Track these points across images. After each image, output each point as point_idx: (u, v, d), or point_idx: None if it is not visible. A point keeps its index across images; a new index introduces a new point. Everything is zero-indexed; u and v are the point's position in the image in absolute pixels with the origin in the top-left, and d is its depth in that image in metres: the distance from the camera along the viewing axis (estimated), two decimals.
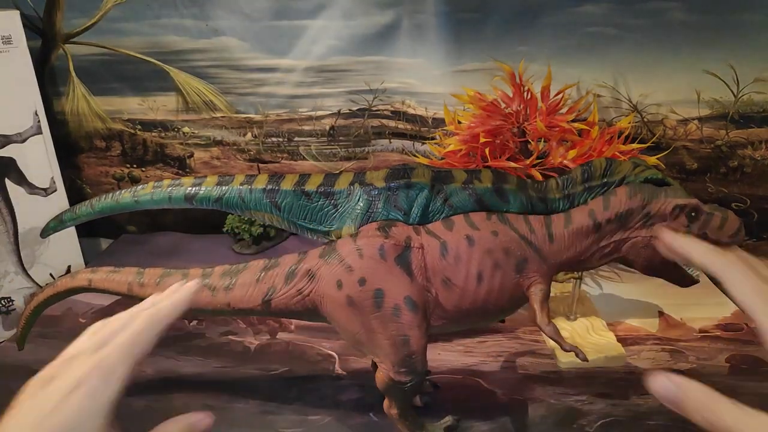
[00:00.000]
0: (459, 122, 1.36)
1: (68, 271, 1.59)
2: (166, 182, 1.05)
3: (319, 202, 0.98)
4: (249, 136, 1.63)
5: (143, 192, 1.05)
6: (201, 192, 1.02)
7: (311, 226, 1.00)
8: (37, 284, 1.54)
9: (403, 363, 0.80)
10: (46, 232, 1.16)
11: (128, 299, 0.91)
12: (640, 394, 1.01)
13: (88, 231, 1.67)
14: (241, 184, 1.01)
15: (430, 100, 1.54)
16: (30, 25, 1.51)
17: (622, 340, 1.14)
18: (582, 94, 1.47)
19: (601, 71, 1.47)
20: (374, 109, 1.58)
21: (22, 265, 1.52)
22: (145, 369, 1.11)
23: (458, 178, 0.96)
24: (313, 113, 1.59)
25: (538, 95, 1.29)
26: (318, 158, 1.64)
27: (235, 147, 1.64)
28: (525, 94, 1.31)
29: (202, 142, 1.65)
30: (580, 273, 1.18)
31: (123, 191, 1.07)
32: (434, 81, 1.52)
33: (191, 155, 1.66)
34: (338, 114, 1.59)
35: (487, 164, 1.30)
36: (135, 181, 1.70)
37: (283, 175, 1.02)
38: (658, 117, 1.49)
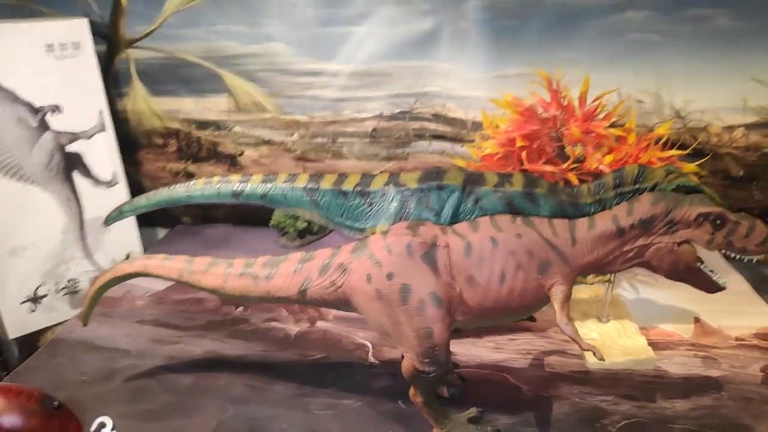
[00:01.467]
0: (497, 126, 1.39)
1: (127, 257, 1.71)
2: (215, 179, 1.13)
3: (356, 201, 1.04)
4: (296, 136, 1.71)
5: (195, 187, 1.14)
6: (247, 189, 1.10)
7: (348, 224, 1.06)
8: (100, 268, 1.67)
9: (427, 354, 0.85)
10: (108, 221, 1.27)
11: (180, 284, 0.99)
12: (667, 398, 1.02)
13: (146, 221, 1.79)
14: (284, 182, 1.08)
15: (469, 104, 1.58)
16: (97, 32, 1.63)
17: (654, 345, 1.15)
18: (625, 100, 1.47)
19: (643, 78, 1.47)
20: (415, 112, 1.62)
21: (87, 250, 1.65)
22: (194, 349, 1.20)
23: (490, 180, 0.99)
24: (356, 115, 1.66)
25: (576, 101, 1.31)
26: (360, 158, 1.70)
27: (282, 146, 1.72)
28: (562, 99, 1.33)
29: (252, 141, 1.74)
30: (612, 276, 1.19)
31: (177, 186, 1.16)
32: (474, 85, 1.55)
33: (242, 153, 1.75)
34: (380, 116, 1.64)
35: (523, 168, 1.33)
36: (190, 176, 1.81)
37: (323, 174, 1.09)
38: (701, 124, 1.48)
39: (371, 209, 1.03)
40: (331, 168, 1.72)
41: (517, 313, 0.88)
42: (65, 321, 1.65)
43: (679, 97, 1.47)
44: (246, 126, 1.72)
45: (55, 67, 1.51)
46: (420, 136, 1.65)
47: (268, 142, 1.73)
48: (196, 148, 1.78)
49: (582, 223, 0.87)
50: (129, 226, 1.70)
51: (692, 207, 0.84)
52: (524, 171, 1.04)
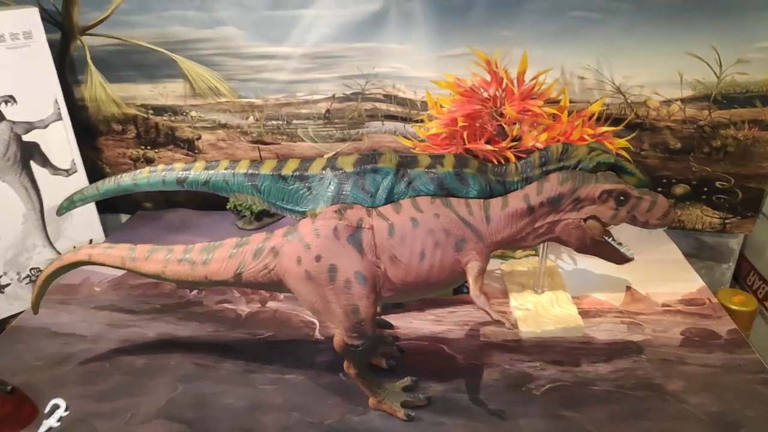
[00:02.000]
0: (441, 106, 1.43)
1: (90, 243, 1.75)
2: (160, 167, 1.17)
3: (295, 185, 1.08)
4: (251, 119, 1.73)
5: (141, 176, 1.17)
6: (191, 176, 1.14)
7: (288, 207, 1.10)
8: (61, 255, 1.70)
9: (354, 329, 0.90)
10: (60, 211, 1.31)
11: (123, 271, 1.04)
12: (591, 363, 1.08)
13: (108, 207, 1.82)
14: (225, 169, 1.12)
15: (418, 84, 1.61)
16: (50, 19, 1.63)
17: (585, 313, 1.21)
18: (564, 78, 1.52)
19: (585, 55, 1.51)
20: (367, 92, 1.65)
21: (48, 239, 1.68)
22: (147, 331, 1.24)
23: (422, 162, 1.04)
24: (309, 97, 1.69)
25: (515, 80, 1.35)
26: (315, 140, 1.74)
27: (239, 129, 1.75)
28: (501, 79, 1.37)
29: (209, 125, 1.76)
30: (542, 249, 1.25)
31: (124, 175, 1.19)
32: (422, 66, 1.58)
33: (199, 138, 1.78)
34: (333, 98, 1.67)
35: (465, 146, 1.38)
36: (149, 161, 1.84)
37: (263, 160, 1.13)
38: (641, 98, 1.52)
39: (310, 193, 1.08)
40: (286, 150, 1.76)
41: (438, 287, 0.93)
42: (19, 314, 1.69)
43: (619, 72, 1.51)
44: (202, 110, 1.75)
45: (7, 57, 1.52)
46: (373, 116, 1.68)
47: (224, 126, 1.76)
48: (154, 134, 1.80)
49: (496, 202, 0.92)
50: (90, 212, 1.73)
51: (597, 185, 0.89)
52: (456, 153, 1.09)
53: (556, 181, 0.91)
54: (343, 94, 1.67)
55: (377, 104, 1.67)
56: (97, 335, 1.24)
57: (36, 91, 1.59)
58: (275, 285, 0.95)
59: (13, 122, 1.57)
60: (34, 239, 1.66)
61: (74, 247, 1.72)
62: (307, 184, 1.08)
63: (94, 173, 1.79)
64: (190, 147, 1.80)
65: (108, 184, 1.20)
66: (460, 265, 0.90)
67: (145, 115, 1.78)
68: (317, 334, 1.21)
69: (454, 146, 1.39)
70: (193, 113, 1.75)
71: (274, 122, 1.73)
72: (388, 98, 1.65)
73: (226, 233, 1.67)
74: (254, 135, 1.75)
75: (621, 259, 0.94)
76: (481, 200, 0.93)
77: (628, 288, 1.29)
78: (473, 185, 1.00)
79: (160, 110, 1.77)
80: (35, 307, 1.09)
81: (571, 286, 1.29)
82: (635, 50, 1.49)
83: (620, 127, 1.39)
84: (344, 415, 0.99)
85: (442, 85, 1.42)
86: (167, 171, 1.15)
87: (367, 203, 1.00)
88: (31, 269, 1.67)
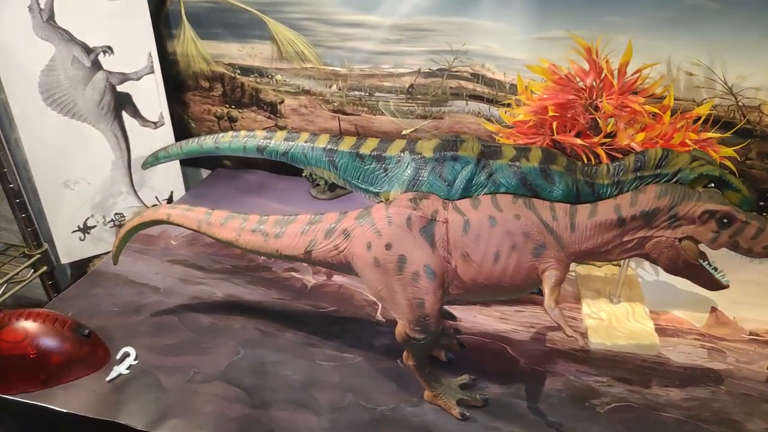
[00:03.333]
0: (531, 92, 1.35)
1: (171, 195, 1.81)
2: (243, 133, 1.17)
3: (372, 165, 1.06)
4: (334, 87, 1.72)
5: (223, 140, 1.19)
6: (271, 145, 1.14)
7: (363, 186, 1.09)
8: (144, 204, 1.78)
9: (418, 322, 0.88)
10: (145, 165, 1.35)
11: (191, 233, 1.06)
12: (663, 386, 1.02)
13: (190, 161, 1.88)
14: (305, 142, 1.11)
15: (509, 66, 1.54)
16: None
17: (662, 330, 1.14)
18: (670, 73, 1.40)
19: (696, 49, 1.38)
20: (454, 70, 1.60)
21: (133, 186, 1.75)
22: (216, 291, 1.28)
23: (506, 154, 0.99)
24: (394, 70, 1.65)
25: (615, 72, 1.25)
26: (396, 114, 1.70)
27: (321, 97, 1.74)
28: (601, 69, 1.27)
29: (292, 90, 1.76)
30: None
31: (207, 137, 1.21)
32: (515, 46, 1.50)
33: (282, 102, 1.79)
34: (418, 72, 1.63)
35: (553, 137, 1.31)
36: (233, 120, 1.87)
37: (342, 136, 1.11)
38: (755, 102, 1.38)
39: (386, 174, 1.05)
40: (365, 122, 1.73)
41: (509, 291, 0.89)
42: (109, 252, 1.79)
43: (733, 71, 1.37)
44: (287, 74, 1.74)
45: (107, 8, 1.57)
46: (457, 95, 1.62)
47: (307, 92, 1.75)
48: (240, 94, 1.83)
49: (583, 209, 0.87)
50: (173, 165, 1.79)
51: (699, 203, 0.81)
52: (544, 147, 1.03)
53: (653, 193, 0.83)
54: (429, 69, 1.61)
55: (463, 83, 1.60)
56: (169, 289, 1.29)
57: (132, 44, 1.64)
58: (343, 266, 0.94)
59: (110, 72, 1.63)
60: (120, 186, 1.74)
61: (156, 197, 1.80)
62: (383, 166, 1.05)
63: (180, 127, 1.85)
64: (272, 110, 1.81)
65: (191, 145, 1.22)
66: (536, 271, 0.85)
67: (232, 74, 1.80)
68: (379, 316, 1.20)
69: (541, 136, 1.32)
70: (279, 77, 1.76)
71: (357, 93, 1.70)
72: (476, 77, 1.59)
73: (299, 200, 1.68)
74: (336, 104, 1.74)
75: (714, 285, 0.86)
76: (568, 206, 0.87)
77: (714, 309, 1.20)
78: (559, 184, 0.94)
79: (246, 70, 1.78)
80: (115, 258, 1.14)
81: (650, 298, 1.21)
82: (754, 47, 1.35)
83: (728, 134, 1.27)
84: (398, 404, 0.99)
85: (536, 70, 1.34)
86: (249, 138, 1.16)
87: (443, 192, 0.97)
88: (115, 214, 1.76)
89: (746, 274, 1.23)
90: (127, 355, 1.10)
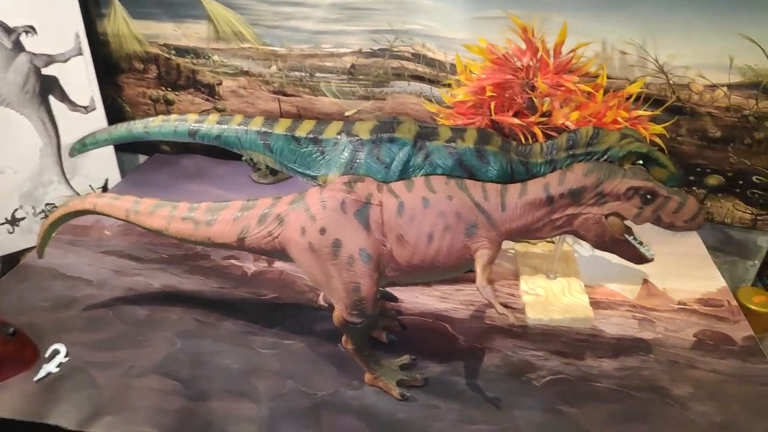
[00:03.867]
0: (470, 72, 1.35)
1: (106, 183, 1.74)
2: (173, 117, 1.13)
3: (308, 148, 1.04)
4: (274, 68, 1.68)
5: (153, 124, 1.14)
6: (203, 129, 1.10)
7: (300, 170, 1.07)
8: (77, 193, 1.71)
9: (355, 306, 0.88)
10: (72, 152, 1.28)
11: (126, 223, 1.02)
12: (596, 357, 1.05)
13: (126, 147, 1.80)
14: (239, 125, 1.08)
15: (449, 45, 1.53)
16: None
17: (596, 304, 1.17)
18: (605, 52, 1.42)
19: (629, 28, 1.41)
20: (395, 50, 1.58)
21: (64, 175, 1.67)
22: (152, 282, 1.24)
23: (443, 135, 0.99)
24: (335, 50, 1.62)
25: (551, 51, 1.27)
26: (338, 95, 1.68)
27: (260, 78, 1.70)
28: (537, 49, 1.28)
29: (231, 71, 1.71)
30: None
31: (136, 122, 1.16)
32: (455, 26, 1.50)
33: (220, 83, 1.73)
34: (359, 52, 1.60)
35: (492, 118, 1.31)
36: (170, 103, 1.80)
37: (277, 119, 1.08)
38: (684, 80, 1.42)
39: (323, 157, 1.04)
40: (307, 104, 1.70)
41: (444, 272, 0.90)
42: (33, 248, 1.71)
43: (665, 50, 1.41)
44: (225, 55, 1.69)
45: None
46: (399, 75, 1.61)
47: (246, 73, 1.70)
48: (175, 76, 1.76)
49: (514, 188, 0.87)
50: (107, 151, 1.72)
51: (624, 180, 0.84)
52: (479, 128, 1.03)
53: (580, 171, 0.85)
54: (370, 49, 1.59)
55: (405, 63, 1.59)
56: (102, 281, 1.24)
57: (57, 23, 1.55)
58: (278, 253, 0.93)
59: (33, 54, 1.54)
60: (50, 174, 1.66)
61: (90, 186, 1.72)
62: (320, 148, 1.04)
63: (114, 111, 1.77)
64: (210, 92, 1.75)
65: (120, 130, 1.17)
66: (469, 251, 0.86)
67: (167, 56, 1.73)
68: (320, 300, 1.20)
69: (480, 116, 1.32)
70: (216, 57, 1.70)
71: (297, 74, 1.67)
72: (417, 57, 1.57)
73: (241, 185, 1.65)
74: (276, 85, 1.70)
75: (640, 259, 0.89)
76: (499, 186, 0.88)
77: (645, 281, 1.25)
78: (494, 164, 0.95)
79: (182, 51, 1.72)
80: (41, 251, 1.09)
81: (585, 273, 1.25)
82: (684, 27, 1.38)
83: (658, 111, 1.31)
84: (339, 388, 0.98)
85: (474, 50, 1.34)
86: (180, 122, 1.12)
87: (381, 174, 0.96)
88: (46, 204, 1.68)
89: (674, 247, 1.29)
90: (57, 352, 1.05)
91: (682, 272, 1.26)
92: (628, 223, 0.88)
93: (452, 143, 0.97)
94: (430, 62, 1.56)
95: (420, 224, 0.85)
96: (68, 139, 1.64)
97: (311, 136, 1.03)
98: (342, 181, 0.90)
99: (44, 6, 1.52)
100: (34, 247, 1.72)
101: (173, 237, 0.97)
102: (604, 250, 0.90)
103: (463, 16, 1.48)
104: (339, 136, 1.02)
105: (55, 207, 1.68)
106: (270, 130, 1.06)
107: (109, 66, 1.76)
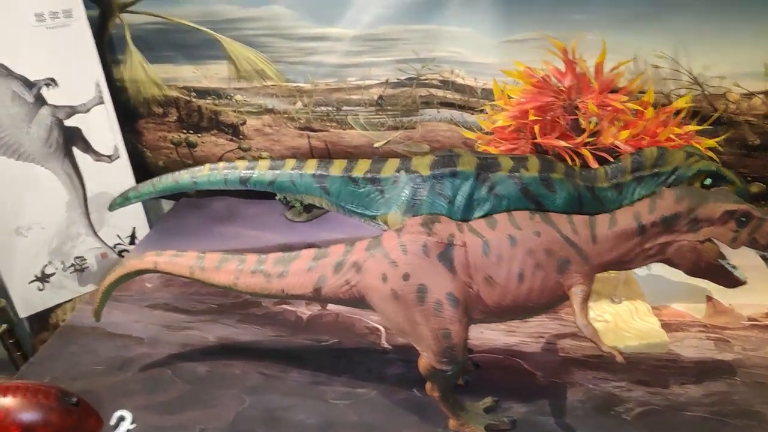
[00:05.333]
0: (508, 97, 1.34)
1: (133, 232, 1.70)
2: (221, 165, 1.11)
3: (366, 188, 1.02)
4: (299, 104, 1.65)
5: (201, 174, 1.12)
6: (254, 175, 1.08)
7: (359, 211, 1.04)
8: (105, 244, 1.66)
9: (444, 354, 0.84)
10: (113, 207, 1.25)
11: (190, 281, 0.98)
12: (680, 384, 1.02)
13: None
14: (293, 169, 1.06)
15: (479, 71, 1.52)
16: None
17: (666, 326, 1.14)
18: (640, 68, 1.42)
19: (661, 41, 1.40)
20: (423, 78, 1.56)
21: (92, 227, 1.63)
22: (206, 335, 1.20)
23: (504, 166, 0.97)
24: (361, 82, 1.60)
25: (591, 71, 1.26)
26: (366, 127, 1.65)
27: (285, 115, 1.67)
28: (577, 69, 1.27)
29: (254, 110, 1.68)
30: None
31: (182, 172, 1.13)
32: (484, 51, 1.49)
33: (244, 122, 1.70)
34: (386, 83, 1.59)
35: (535, 141, 1.30)
36: (192, 146, 1.77)
37: (332, 160, 1.06)
38: (720, 91, 1.42)
39: (382, 196, 1.02)
40: (336, 138, 1.68)
41: (535, 310, 0.87)
42: (73, 299, 1.66)
43: (698, 62, 1.40)
44: (247, 94, 1.66)
45: (46, 37, 1.45)
46: (428, 103, 1.59)
47: (271, 111, 1.68)
48: (197, 118, 1.73)
49: (603, 219, 0.85)
50: None
51: (717, 204, 0.81)
52: (540, 154, 1.01)
53: (670, 198, 0.83)
54: (397, 79, 1.58)
55: (433, 90, 1.58)
56: (154, 338, 1.19)
57: (77, 74, 1.52)
58: (357, 302, 0.89)
59: (55, 106, 1.50)
60: (77, 227, 1.61)
61: (117, 235, 1.68)
62: (379, 187, 1.01)
63: (134, 157, 1.73)
64: (234, 132, 1.72)
65: (165, 182, 1.14)
66: (561, 288, 0.83)
67: (188, 98, 1.70)
68: (384, 342, 1.16)
69: (522, 140, 1.31)
70: (238, 97, 1.67)
71: (323, 108, 1.64)
72: (445, 84, 1.56)
73: (275, 224, 1.61)
74: (302, 121, 1.67)
75: (735, 282, 0.87)
76: (587, 217, 0.86)
77: (709, 298, 1.22)
78: (560, 192, 0.93)
79: (203, 93, 1.69)
80: (98, 315, 1.04)
81: (647, 293, 1.22)
82: (717, 37, 1.38)
83: (706, 125, 1.30)
84: None
85: (513, 75, 1.33)
86: (229, 169, 1.09)
87: (445, 210, 0.93)
88: (75, 258, 1.63)
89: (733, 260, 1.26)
90: (122, 419, 1.00)
91: (744, 286, 1.24)
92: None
93: (516, 173, 0.95)
94: (460, 88, 1.55)
95: (509, 263, 0.82)
96: (94, 189, 1.60)
97: (369, 175, 1.01)
98: (417, 222, 0.87)
99: (63, 56, 1.49)
100: (63, 303, 1.68)
101: (243, 291, 0.93)
102: (697, 277, 0.87)
103: (491, 41, 1.47)
104: (398, 174, 1.00)
105: (85, 260, 1.64)
106: (326, 173, 1.04)
107: (127, 112, 1.73)
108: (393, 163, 1.02)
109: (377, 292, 0.85)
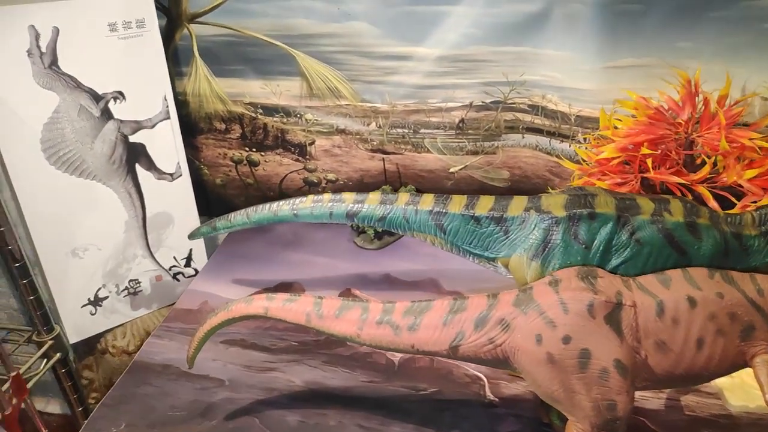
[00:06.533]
0: (615, 127, 1.26)
1: (190, 255, 1.60)
2: (326, 197, 1.02)
3: (489, 228, 0.93)
4: (373, 125, 1.56)
5: (302, 206, 1.03)
6: (363, 210, 0.99)
7: (477, 252, 0.96)
8: (161, 266, 1.57)
9: (605, 426, 0.74)
10: (195, 236, 1.16)
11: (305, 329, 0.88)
12: None
13: (204, 211, 1.67)
14: (406, 204, 0.97)
15: (575, 96, 1.42)
16: (155, 4, 1.46)
17: None
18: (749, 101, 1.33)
19: None
20: (510, 102, 1.47)
21: (149, 248, 1.54)
22: (292, 378, 1.10)
23: (645, 208, 0.88)
24: (443, 104, 1.51)
25: (713, 103, 1.17)
26: (443, 151, 1.56)
27: (358, 136, 1.58)
28: (698, 102, 1.19)
29: (325, 130, 1.59)
30: None
31: (282, 203, 1.04)
32: (582, 76, 1.39)
33: (312, 142, 1.61)
34: (470, 106, 1.50)
35: (645, 175, 1.21)
36: (254, 164, 1.68)
37: (449, 196, 0.97)
38: None
39: (506, 237, 0.93)
40: (409, 161, 1.59)
41: (707, 380, 0.77)
42: (123, 324, 1.56)
43: None
44: (318, 113, 1.57)
45: (117, 48, 1.36)
46: (512, 128, 1.50)
47: (342, 131, 1.59)
48: (262, 135, 1.64)
49: None
50: (189, 219, 1.58)
51: None
52: (683, 198, 0.91)
53: None
54: (482, 102, 1.49)
55: (519, 115, 1.48)
56: (235, 381, 1.09)
57: (144, 86, 1.43)
58: (498, 362, 0.79)
59: (121, 121, 1.42)
60: (134, 249, 1.52)
61: (174, 257, 1.58)
62: (504, 227, 0.92)
63: (191, 174, 1.63)
64: (300, 152, 1.63)
65: (262, 213, 1.05)
66: (743, 357, 0.74)
67: (254, 114, 1.61)
68: (489, 394, 1.06)
69: (631, 174, 1.22)
70: (308, 116, 1.58)
71: (399, 130, 1.55)
72: (534, 109, 1.47)
73: (344, 251, 1.51)
74: (375, 143, 1.58)
75: None
76: None
77: None
78: (706, 239, 0.84)
79: (270, 110, 1.60)
80: (191, 361, 0.94)
81: None
82: None
83: None
84: None
85: (627, 105, 1.25)
86: (335, 202, 1.00)
87: (580, 256, 0.85)
88: (129, 281, 1.54)
89: None
90: None
91: None
92: None
93: (659, 216, 0.86)
94: (551, 114, 1.46)
95: (687, 328, 0.72)
96: (153, 210, 1.51)
97: (493, 214, 0.93)
98: (575, 276, 0.77)
99: (132, 68, 1.40)
100: (114, 328, 1.59)
101: (366, 344, 0.83)
102: None
103: (590, 66, 1.38)
104: (527, 213, 0.91)
105: (139, 283, 1.55)
106: (444, 210, 0.95)
107: (187, 127, 1.64)
108: (520, 202, 0.93)
109: (529, 354, 0.75)
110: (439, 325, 0.80)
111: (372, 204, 0.97)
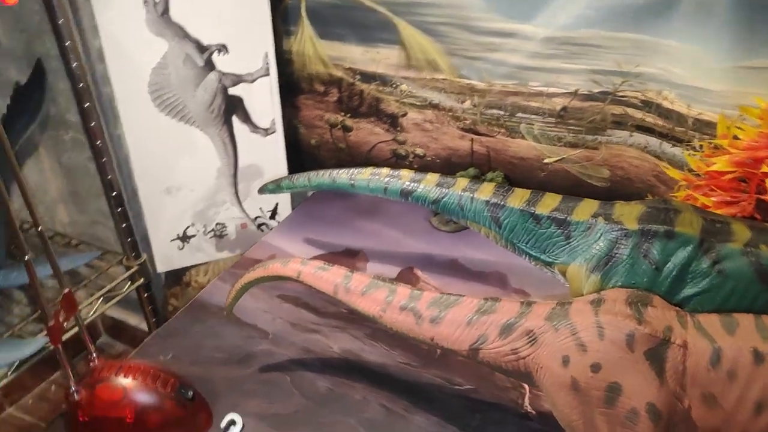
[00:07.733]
0: (734, 137, 1.09)
1: (275, 208, 1.66)
2: (384, 171, 0.99)
3: (549, 229, 0.86)
4: (468, 103, 1.49)
5: (360, 177, 1.01)
6: (419, 190, 0.95)
7: (533, 253, 0.89)
8: (247, 215, 1.64)
9: None
10: (263, 191, 1.19)
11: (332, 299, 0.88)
12: None
13: (300, 171, 1.70)
14: (463, 191, 0.92)
15: (696, 96, 1.25)
16: None
17: None
18: None
19: None
20: (620, 94, 1.33)
21: (237, 197, 1.61)
22: (331, 344, 1.10)
23: (739, 236, 0.75)
24: (544, 89, 1.40)
25: None
26: (539, 139, 1.46)
27: (450, 113, 1.52)
28: None
29: (418, 103, 1.55)
30: None
31: (341, 171, 1.04)
32: (708, 74, 1.21)
33: (405, 114, 1.58)
34: (575, 94, 1.37)
35: (762, 197, 1.05)
36: (347, 130, 1.68)
37: (511, 188, 0.90)
38: None
39: (567, 242, 0.85)
40: (501, 145, 1.50)
41: None
42: (207, 263, 1.66)
43: None
44: (414, 85, 1.53)
45: (226, 2, 1.41)
46: (619, 123, 1.36)
47: (435, 106, 1.53)
48: (358, 102, 1.63)
49: None
50: (281, 174, 1.62)
51: None
52: None
53: None
54: (589, 91, 1.35)
55: (629, 110, 1.34)
56: (279, 335, 1.12)
57: (248, 42, 1.48)
58: (520, 375, 0.73)
59: (222, 73, 1.48)
60: (224, 195, 1.60)
61: (260, 209, 1.65)
62: (566, 231, 0.84)
63: (287, 131, 1.67)
64: (392, 123, 1.61)
65: (322, 178, 1.05)
66: None
67: (352, 80, 1.61)
68: (527, 404, 0.99)
69: (745, 194, 1.06)
70: (404, 86, 1.55)
71: (495, 111, 1.47)
72: (647, 105, 1.31)
73: (418, 229, 1.48)
74: (467, 122, 1.51)
75: None
76: None
77: None
78: None
79: (368, 77, 1.58)
80: (229, 312, 0.98)
81: None
82: None
83: None
84: None
85: (753, 114, 1.08)
86: (392, 178, 0.97)
87: (647, 277, 0.75)
88: (216, 224, 1.63)
89: None
90: (232, 423, 0.94)
91: None
92: None
93: (753, 248, 0.73)
94: (666, 113, 1.29)
95: (745, 387, 0.61)
96: (245, 161, 1.57)
97: (557, 215, 0.84)
98: (623, 299, 0.68)
99: (238, 23, 1.44)
100: (198, 265, 1.70)
101: (386, 326, 0.81)
102: None
103: (720, 64, 1.20)
104: (594, 220, 0.82)
105: (225, 227, 1.63)
106: (503, 203, 0.88)
107: (289, 86, 1.67)
108: (589, 206, 0.84)
109: (552, 375, 0.68)
110: (462, 323, 0.75)
111: (428, 185, 0.93)
